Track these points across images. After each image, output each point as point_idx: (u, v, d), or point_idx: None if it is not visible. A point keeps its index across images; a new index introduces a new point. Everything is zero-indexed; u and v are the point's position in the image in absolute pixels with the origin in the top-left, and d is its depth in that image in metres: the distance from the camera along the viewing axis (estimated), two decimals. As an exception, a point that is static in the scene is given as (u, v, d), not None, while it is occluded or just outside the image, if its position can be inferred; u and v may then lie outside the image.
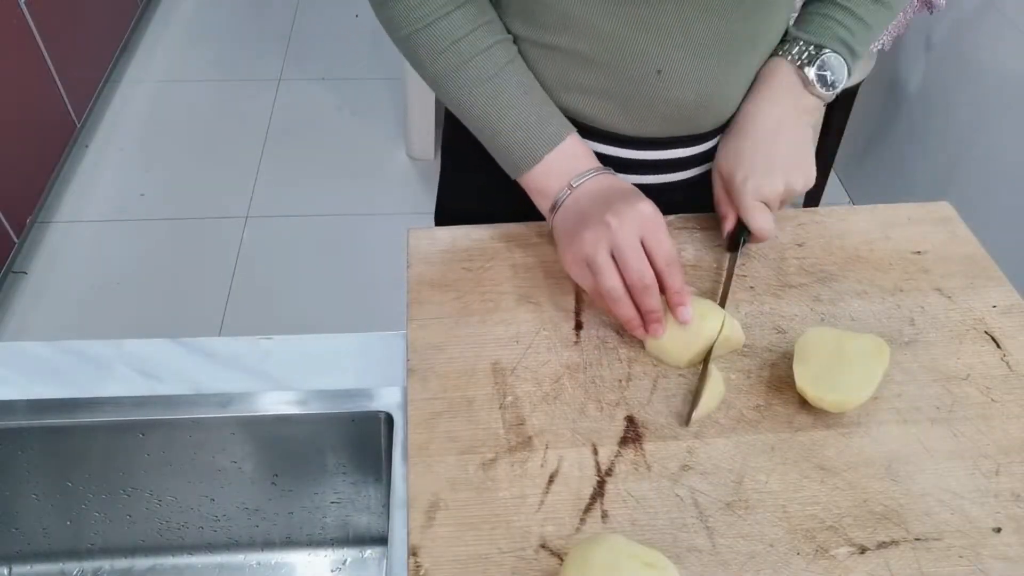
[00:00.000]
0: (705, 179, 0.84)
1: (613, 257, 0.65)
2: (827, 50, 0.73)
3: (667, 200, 0.83)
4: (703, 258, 0.78)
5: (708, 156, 0.82)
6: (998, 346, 0.71)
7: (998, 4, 1.64)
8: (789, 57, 0.74)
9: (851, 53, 0.74)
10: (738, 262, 0.76)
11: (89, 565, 0.82)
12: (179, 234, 2.16)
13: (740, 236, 0.76)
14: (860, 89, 1.93)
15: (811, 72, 0.73)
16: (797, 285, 0.76)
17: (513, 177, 0.73)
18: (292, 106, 2.57)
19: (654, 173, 0.81)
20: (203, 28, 2.90)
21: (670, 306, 0.67)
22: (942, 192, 1.84)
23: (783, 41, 0.76)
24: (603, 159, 0.79)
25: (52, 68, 2.11)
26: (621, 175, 0.81)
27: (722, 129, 0.81)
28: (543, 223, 0.76)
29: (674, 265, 0.66)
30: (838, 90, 0.74)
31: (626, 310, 0.66)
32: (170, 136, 2.46)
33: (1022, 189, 1.60)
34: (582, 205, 0.69)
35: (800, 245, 0.80)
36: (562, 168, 0.71)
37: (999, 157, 1.67)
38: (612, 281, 0.65)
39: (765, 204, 0.73)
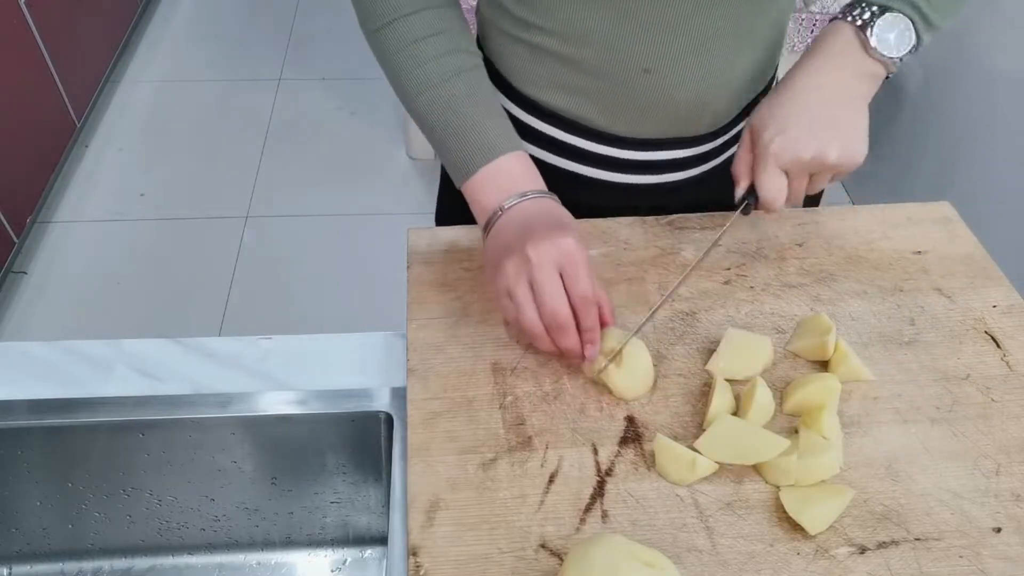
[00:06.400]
0: (711, 177, 0.83)
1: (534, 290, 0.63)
2: (893, 11, 0.67)
3: (669, 200, 0.83)
4: (702, 259, 0.78)
5: (709, 156, 0.81)
6: (998, 346, 0.71)
7: (998, 4, 1.64)
8: (850, 18, 0.68)
9: (923, 19, 0.67)
10: (728, 234, 0.70)
11: (89, 565, 0.82)
12: (179, 234, 2.16)
13: (745, 200, 0.71)
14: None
15: (873, 34, 0.67)
16: (797, 285, 0.76)
17: (456, 186, 0.70)
18: (292, 106, 2.57)
19: (652, 173, 0.80)
20: (203, 28, 2.90)
21: (580, 342, 0.64)
22: (942, 192, 1.84)
23: (848, 4, 0.69)
24: (596, 159, 0.78)
25: (52, 68, 2.11)
26: (617, 175, 0.79)
27: (723, 130, 0.80)
28: None
29: (588, 303, 0.62)
30: (903, 55, 0.67)
31: (545, 345, 0.64)
32: (170, 136, 2.46)
33: (1022, 189, 1.60)
34: (508, 232, 0.65)
35: (800, 245, 0.79)
36: (498, 185, 0.66)
37: (999, 157, 1.67)
38: (530, 317, 0.62)
39: (786, 172, 0.68)
